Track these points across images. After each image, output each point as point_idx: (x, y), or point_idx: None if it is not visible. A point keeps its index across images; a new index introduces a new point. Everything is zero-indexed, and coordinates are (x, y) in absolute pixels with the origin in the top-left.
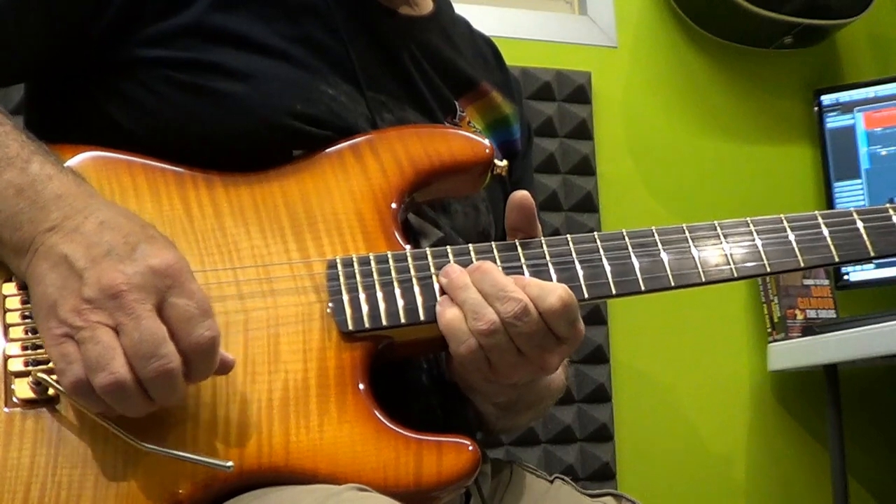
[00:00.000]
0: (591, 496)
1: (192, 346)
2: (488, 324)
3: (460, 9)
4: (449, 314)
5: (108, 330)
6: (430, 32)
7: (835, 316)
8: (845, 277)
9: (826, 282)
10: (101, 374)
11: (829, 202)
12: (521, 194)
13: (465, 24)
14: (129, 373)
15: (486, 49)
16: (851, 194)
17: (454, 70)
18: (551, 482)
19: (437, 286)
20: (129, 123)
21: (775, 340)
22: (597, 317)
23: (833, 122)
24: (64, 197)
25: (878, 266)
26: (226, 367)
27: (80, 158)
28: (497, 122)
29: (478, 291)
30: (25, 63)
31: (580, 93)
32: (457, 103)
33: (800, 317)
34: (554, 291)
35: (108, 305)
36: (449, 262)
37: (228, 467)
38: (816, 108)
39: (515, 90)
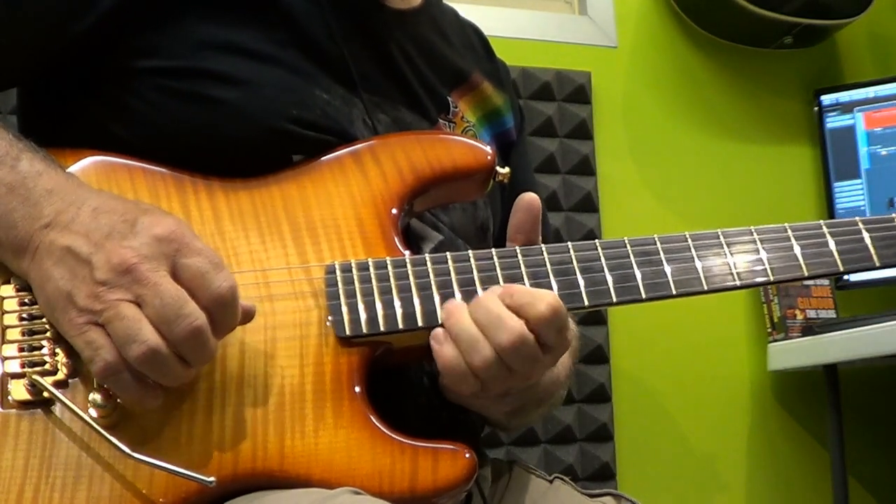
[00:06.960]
0: (591, 496)
1: (212, 299)
2: (483, 360)
3: (460, 9)
4: (447, 353)
5: (129, 304)
6: (420, 25)
7: (835, 316)
8: (845, 277)
9: (826, 282)
10: (132, 346)
11: (830, 202)
12: (530, 196)
13: (453, 14)
14: (159, 339)
15: (473, 38)
16: (851, 194)
17: (446, 63)
18: (551, 482)
19: (436, 293)
20: (125, 132)
21: (775, 340)
22: (597, 317)
23: (833, 122)
24: (55, 191)
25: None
26: (248, 316)
27: (81, 163)
28: (490, 114)
29: (473, 323)
30: (11, 63)
31: (580, 93)
32: (449, 98)
33: (800, 317)
34: (543, 299)
35: (123, 282)
36: (448, 267)
37: (210, 482)
38: (816, 108)
39: (504, 77)
